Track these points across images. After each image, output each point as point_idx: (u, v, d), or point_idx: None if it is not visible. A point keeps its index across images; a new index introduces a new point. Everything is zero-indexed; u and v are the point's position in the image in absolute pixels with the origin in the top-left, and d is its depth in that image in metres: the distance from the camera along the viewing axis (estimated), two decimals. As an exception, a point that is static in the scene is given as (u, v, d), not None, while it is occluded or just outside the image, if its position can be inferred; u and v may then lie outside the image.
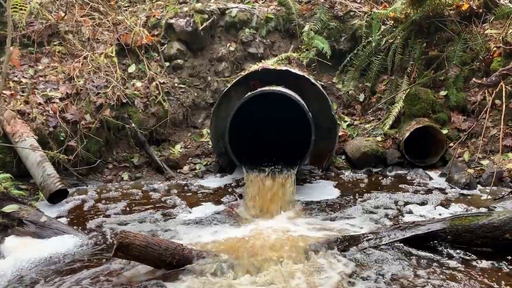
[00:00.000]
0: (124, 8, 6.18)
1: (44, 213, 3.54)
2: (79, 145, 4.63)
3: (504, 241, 2.95)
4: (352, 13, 6.01)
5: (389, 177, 4.62)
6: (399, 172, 4.75)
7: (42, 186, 4.06)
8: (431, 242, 3.08)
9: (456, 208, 3.81)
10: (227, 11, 5.97)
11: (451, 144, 4.82)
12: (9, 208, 3.36)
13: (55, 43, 5.46)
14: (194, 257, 2.91)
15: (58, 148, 4.51)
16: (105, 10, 5.89)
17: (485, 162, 4.56)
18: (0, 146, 4.27)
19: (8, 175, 3.87)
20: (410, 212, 3.79)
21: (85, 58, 5.30)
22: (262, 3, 6.32)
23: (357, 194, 4.22)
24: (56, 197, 4.06)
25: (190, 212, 3.96)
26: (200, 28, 5.71)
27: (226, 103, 4.60)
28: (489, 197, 3.95)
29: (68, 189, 4.20)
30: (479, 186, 4.27)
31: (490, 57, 5.01)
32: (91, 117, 4.85)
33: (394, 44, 5.52)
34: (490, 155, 4.63)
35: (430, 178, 4.51)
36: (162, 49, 5.70)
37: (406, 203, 3.95)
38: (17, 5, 5.29)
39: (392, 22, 5.71)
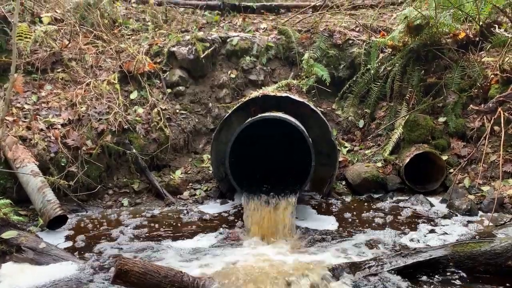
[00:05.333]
0: (127, 36, 6.30)
1: (43, 240, 3.53)
2: (79, 170, 4.64)
3: (506, 268, 2.92)
4: (350, 42, 6.11)
5: (390, 203, 4.59)
6: (400, 198, 4.72)
7: (42, 212, 4.04)
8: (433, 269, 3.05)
9: (458, 235, 3.79)
10: (228, 40, 6.09)
11: (451, 170, 4.82)
12: (7, 234, 3.36)
13: (58, 70, 5.54)
14: (194, 285, 2.88)
15: (59, 173, 4.52)
16: (109, 38, 6.00)
17: (485, 188, 4.55)
18: (0, 172, 4.28)
19: (8, 200, 3.86)
20: (412, 238, 3.76)
21: (87, 84, 5.36)
22: (263, 32, 6.45)
23: (358, 221, 4.19)
24: (55, 223, 4.04)
25: (189, 239, 3.93)
26: (201, 56, 5.80)
27: (227, 129, 4.64)
28: (491, 223, 3.93)
29: (68, 215, 4.18)
30: (480, 213, 4.24)
31: (488, 84, 5.06)
32: (92, 143, 4.88)
33: (393, 72, 5.60)
34: (490, 181, 4.63)
35: (431, 204, 4.49)
36: (164, 76, 5.78)
37: (408, 229, 3.93)
38: (22, 33, 5.40)
39: (390, 50, 5.81)
